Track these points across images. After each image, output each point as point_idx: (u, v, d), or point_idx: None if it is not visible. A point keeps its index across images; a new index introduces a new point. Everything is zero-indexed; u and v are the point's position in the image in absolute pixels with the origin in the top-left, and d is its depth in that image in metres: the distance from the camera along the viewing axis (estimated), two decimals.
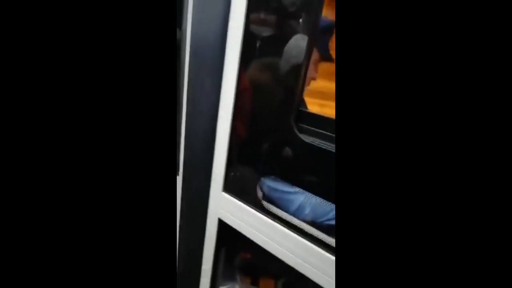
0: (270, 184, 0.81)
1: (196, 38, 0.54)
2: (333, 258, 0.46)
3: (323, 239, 0.49)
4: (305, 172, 0.46)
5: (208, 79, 0.54)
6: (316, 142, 0.43)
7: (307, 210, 0.88)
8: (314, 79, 1.02)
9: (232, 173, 0.58)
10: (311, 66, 0.90)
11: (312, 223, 0.56)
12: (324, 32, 0.82)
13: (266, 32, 0.45)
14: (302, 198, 0.86)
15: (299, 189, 0.84)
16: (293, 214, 0.68)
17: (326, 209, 0.87)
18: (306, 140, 0.43)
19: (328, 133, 0.44)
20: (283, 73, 0.43)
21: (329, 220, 0.90)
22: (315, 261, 0.48)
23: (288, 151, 0.47)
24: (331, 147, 0.43)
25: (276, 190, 0.83)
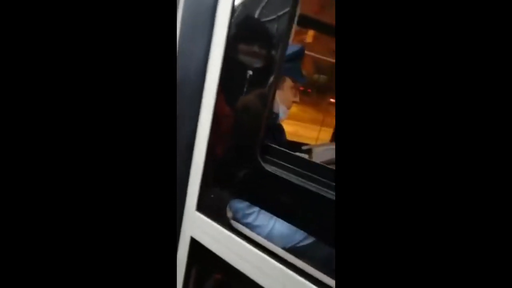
0: (243, 209, 0.87)
1: (180, 71, 0.61)
2: (301, 279, 0.51)
3: (289, 260, 0.54)
4: (268, 197, 0.53)
5: (188, 109, 0.61)
6: (278, 172, 0.51)
7: (276, 237, 0.94)
8: (296, 102, 1.12)
9: (206, 194, 0.64)
10: (290, 91, 0.99)
11: (282, 248, 0.60)
12: (291, 59, 0.91)
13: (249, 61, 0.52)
14: (271, 225, 0.92)
15: (268, 218, 0.90)
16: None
17: (294, 236, 0.93)
18: (268, 169, 0.51)
19: (289, 166, 0.52)
20: (251, 109, 0.51)
21: (296, 244, 0.96)
22: (282, 280, 0.54)
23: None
24: (290, 177, 0.50)
25: (247, 216, 0.88)
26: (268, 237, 0.79)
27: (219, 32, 0.54)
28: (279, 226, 0.90)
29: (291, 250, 0.57)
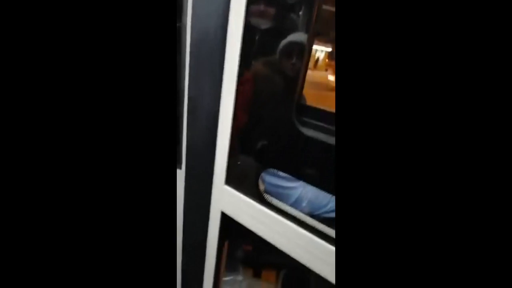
0: (270, 179, 0.82)
1: (196, 31, 0.54)
2: (332, 248, 0.47)
3: (322, 230, 0.50)
4: (305, 164, 0.46)
5: (209, 72, 0.54)
6: (316, 135, 0.44)
7: (304, 203, 0.89)
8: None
9: (235, 166, 0.59)
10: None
11: (309, 215, 0.57)
12: None
13: (265, 24, 0.45)
14: (299, 192, 0.87)
15: (296, 183, 0.85)
16: (291, 206, 0.69)
17: (322, 202, 0.88)
18: (307, 133, 0.44)
19: (328, 126, 0.44)
20: (283, 69, 0.43)
21: (325, 212, 0.91)
22: (315, 251, 0.49)
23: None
24: (331, 140, 0.43)
25: (274, 185, 0.83)
26: (295, 206, 0.74)
27: None
28: (307, 195, 0.85)
29: (323, 221, 0.52)
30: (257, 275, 1.34)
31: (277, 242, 0.55)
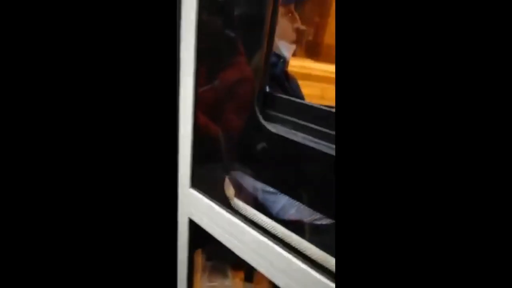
0: (252, 181, 0.74)
1: None
2: (304, 266, 0.39)
3: (298, 247, 0.42)
4: (272, 168, 0.39)
5: None
6: (284, 132, 0.36)
7: (292, 210, 0.81)
8: (302, 31, 0.86)
9: (201, 168, 0.51)
10: (286, 19, 0.74)
11: (298, 223, 0.50)
12: None
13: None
14: (287, 197, 0.78)
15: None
16: (277, 215, 0.62)
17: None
18: (272, 130, 0.36)
19: (300, 121, 0.36)
20: (239, 50, 0.35)
21: (316, 220, 0.82)
22: (284, 267, 0.42)
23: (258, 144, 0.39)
24: (303, 138, 0.35)
25: (257, 188, 0.75)
26: (281, 214, 0.66)
27: None
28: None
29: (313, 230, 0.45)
30: (248, 279, 1.26)
31: (246, 255, 0.48)
